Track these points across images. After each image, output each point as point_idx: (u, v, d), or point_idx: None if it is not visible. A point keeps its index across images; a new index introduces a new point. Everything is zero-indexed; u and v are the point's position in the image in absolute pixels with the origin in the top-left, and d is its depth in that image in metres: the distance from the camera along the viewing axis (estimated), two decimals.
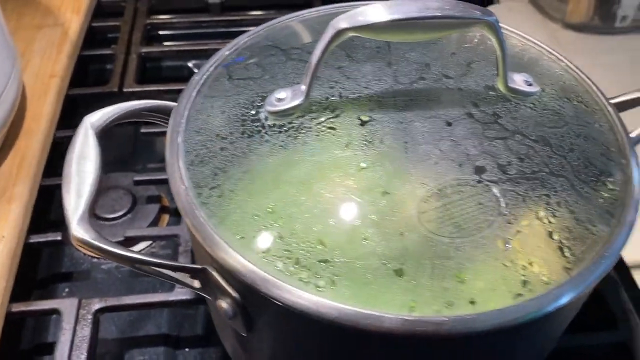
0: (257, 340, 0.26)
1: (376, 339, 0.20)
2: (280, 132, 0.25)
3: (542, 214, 0.22)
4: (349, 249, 0.21)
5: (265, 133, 0.25)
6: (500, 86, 0.26)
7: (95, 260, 0.43)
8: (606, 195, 0.24)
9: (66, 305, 0.35)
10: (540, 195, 0.23)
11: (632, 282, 0.39)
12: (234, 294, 0.23)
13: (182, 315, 0.40)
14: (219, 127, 0.26)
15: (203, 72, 0.29)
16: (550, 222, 0.22)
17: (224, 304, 0.24)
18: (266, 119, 0.25)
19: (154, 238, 0.41)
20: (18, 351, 0.38)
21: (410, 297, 0.20)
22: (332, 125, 0.25)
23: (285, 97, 0.25)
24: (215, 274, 0.23)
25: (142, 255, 0.23)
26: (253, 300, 0.23)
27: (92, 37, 0.56)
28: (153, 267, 0.23)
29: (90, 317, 0.35)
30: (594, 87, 0.28)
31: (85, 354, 0.33)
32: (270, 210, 0.22)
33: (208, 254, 0.23)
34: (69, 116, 0.48)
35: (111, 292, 0.41)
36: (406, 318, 0.20)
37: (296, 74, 0.26)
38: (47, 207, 0.44)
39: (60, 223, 0.40)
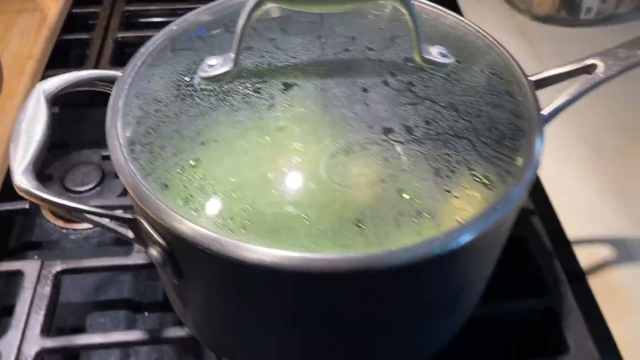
0: (188, 288, 0.28)
1: (281, 277, 0.23)
2: (210, 95, 0.27)
3: (441, 170, 0.24)
4: (261, 198, 0.24)
5: (197, 97, 0.27)
6: (416, 57, 0.28)
7: (64, 230, 0.45)
8: (506, 157, 0.26)
9: (29, 266, 0.38)
10: (442, 154, 0.25)
11: (569, 255, 0.41)
12: (161, 241, 0.25)
13: (144, 283, 0.42)
14: (157, 92, 0.28)
15: (149, 45, 0.31)
16: (447, 177, 0.24)
17: (154, 252, 0.26)
18: (199, 84, 0.27)
19: (116, 207, 0.44)
20: None
21: (312, 240, 0.22)
22: (257, 90, 0.27)
23: (216, 64, 0.27)
24: (144, 223, 0.25)
25: (76, 204, 0.25)
26: (177, 246, 0.25)
27: (72, 23, 0.58)
28: (88, 216, 0.25)
29: (51, 277, 0.37)
30: (515, 63, 0.30)
31: (44, 311, 0.36)
32: (193, 164, 0.25)
33: (137, 204, 0.25)
34: None
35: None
36: (305, 256, 0.22)
37: (231, 45, 0.28)
38: None
39: None
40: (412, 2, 0.26)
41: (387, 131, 0.25)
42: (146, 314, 0.41)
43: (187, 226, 0.23)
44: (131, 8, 0.59)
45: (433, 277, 0.25)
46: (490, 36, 0.32)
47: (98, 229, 0.45)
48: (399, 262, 0.22)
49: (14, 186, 0.25)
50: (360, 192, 0.24)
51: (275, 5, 0.25)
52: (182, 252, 0.25)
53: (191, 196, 0.24)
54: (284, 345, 0.28)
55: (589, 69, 0.32)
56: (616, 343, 0.37)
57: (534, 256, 0.39)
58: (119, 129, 0.27)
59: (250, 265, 0.22)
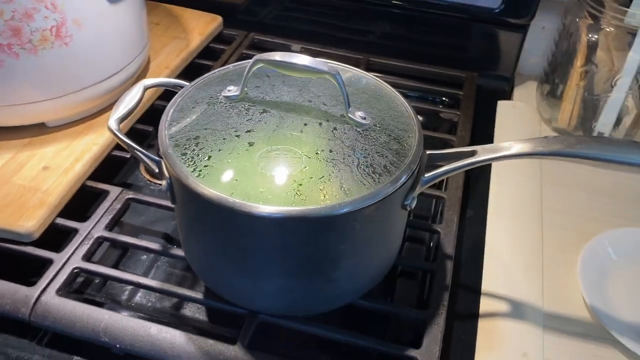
0: (178, 210, 0.47)
1: (225, 211, 0.40)
2: (222, 106, 0.46)
3: (322, 178, 0.41)
4: (221, 162, 0.42)
5: (215, 105, 0.47)
6: (346, 115, 0.45)
7: (148, 182, 0.67)
8: (368, 184, 0.42)
9: (113, 190, 0.60)
10: (329, 170, 0.42)
11: (471, 296, 0.54)
12: (167, 175, 0.45)
13: None
14: (198, 98, 0.48)
15: (212, 73, 0.52)
16: (324, 182, 0.41)
17: (164, 182, 0.45)
18: (219, 99, 0.47)
19: None
20: (85, 215, 0.63)
21: (232, 191, 0.41)
22: (247, 109, 0.46)
23: (232, 90, 0.47)
24: (163, 164, 0.45)
25: (130, 142, 0.46)
26: (173, 181, 0.44)
27: (207, 52, 0.82)
28: (134, 151, 0.46)
29: (124, 200, 0.59)
30: (418, 138, 0.46)
31: (111, 216, 0.57)
32: (193, 138, 0.44)
33: (161, 152, 0.45)
34: (168, 94, 0.74)
35: None
36: (225, 198, 0.40)
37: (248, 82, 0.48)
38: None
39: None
40: (341, 80, 0.44)
41: (303, 149, 0.43)
42: (175, 247, 0.61)
43: (178, 168, 0.42)
44: (248, 52, 0.82)
45: (303, 236, 0.41)
46: (416, 118, 0.48)
47: None
48: (279, 215, 0.39)
49: (107, 125, 0.47)
50: (272, 175, 0.41)
51: (264, 65, 0.44)
52: (175, 184, 0.44)
53: (185, 153, 0.43)
54: (227, 265, 0.46)
55: (472, 154, 0.46)
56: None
57: (432, 284, 0.53)
58: (169, 112, 0.47)
59: (206, 200, 0.40)
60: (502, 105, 0.79)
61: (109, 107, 0.67)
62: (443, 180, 0.66)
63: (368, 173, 0.42)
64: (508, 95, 0.83)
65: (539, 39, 0.83)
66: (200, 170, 0.42)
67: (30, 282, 0.52)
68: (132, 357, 0.48)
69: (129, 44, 0.65)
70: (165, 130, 0.45)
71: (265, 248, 0.43)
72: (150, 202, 0.59)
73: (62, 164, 0.59)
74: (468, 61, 0.82)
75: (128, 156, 0.65)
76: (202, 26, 0.82)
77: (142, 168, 0.69)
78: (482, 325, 0.53)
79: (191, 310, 0.55)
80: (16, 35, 0.54)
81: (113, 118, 0.47)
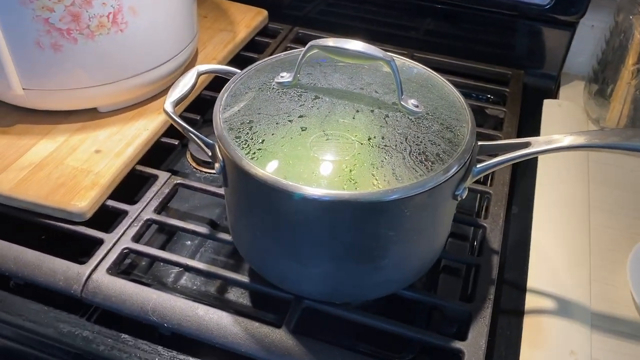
0: (229, 193, 0.48)
1: (277, 193, 0.41)
2: (274, 91, 0.47)
3: (374, 164, 0.41)
4: (277, 145, 0.43)
5: (268, 91, 0.47)
6: (398, 103, 0.45)
7: (194, 169, 0.68)
8: (420, 171, 0.42)
9: (162, 174, 0.61)
10: (380, 156, 0.42)
11: (516, 292, 0.54)
12: (221, 157, 0.45)
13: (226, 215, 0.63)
14: (251, 84, 0.49)
15: (263, 61, 0.52)
16: (376, 168, 0.41)
17: (217, 165, 0.46)
18: (272, 84, 0.48)
19: None
20: (133, 199, 0.64)
21: (285, 173, 0.41)
22: (299, 95, 0.46)
23: (285, 76, 0.48)
24: (216, 146, 0.46)
25: (185, 124, 0.46)
26: (226, 162, 0.45)
27: (253, 45, 0.83)
28: (189, 134, 0.47)
29: (172, 185, 0.60)
30: (470, 128, 0.46)
31: (160, 200, 0.58)
32: (247, 122, 0.45)
33: (215, 135, 0.45)
34: (216, 83, 0.75)
35: None
36: (278, 180, 0.40)
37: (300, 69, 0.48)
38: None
39: (183, 137, 0.65)
40: (395, 67, 0.44)
41: (355, 134, 0.43)
42: (220, 232, 0.62)
43: (232, 150, 0.43)
44: (293, 45, 0.83)
45: (354, 217, 0.41)
46: (469, 109, 0.48)
47: (215, 174, 0.67)
48: (333, 198, 0.39)
49: (163, 107, 0.48)
50: (324, 158, 0.42)
51: (318, 51, 0.45)
52: (228, 166, 0.45)
53: (239, 137, 0.44)
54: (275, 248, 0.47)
55: (525, 145, 0.46)
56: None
57: (477, 278, 0.52)
58: (223, 97, 0.48)
59: (259, 182, 0.41)
60: (548, 104, 0.78)
61: (159, 95, 0.68)
62: (489, 176, 0.65)
63: (420, 161, 0.42)
64: (554, 94, 0.82)
65: (587, 38, 0.81)
66: (254, 153, 0.43)
67: (79, 261, 0.53)
68: (178, 336, 0.49)
69: (180, 33, 0.66)
70: (220, 114, 0.46)
71: (316, 231, 0.43)
72: (197, 188, 0.60)
73: (114, 148, 0.60)
74: (514, 58, 0.82)
75: (176, 143, 0.66)
76: (248, 19, 0.83)
77: (188, 155, 0.70)
78: (528, 321, 0.52)
79: (235, 295, 0.56)
80: (75, 21, 0.55)
81: (169, 101, 0.48)
